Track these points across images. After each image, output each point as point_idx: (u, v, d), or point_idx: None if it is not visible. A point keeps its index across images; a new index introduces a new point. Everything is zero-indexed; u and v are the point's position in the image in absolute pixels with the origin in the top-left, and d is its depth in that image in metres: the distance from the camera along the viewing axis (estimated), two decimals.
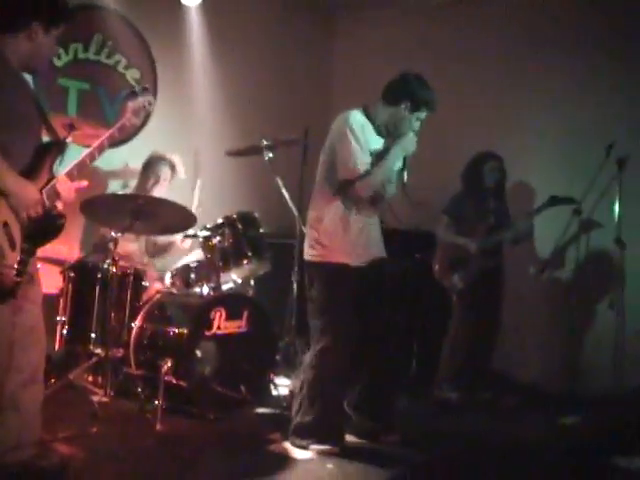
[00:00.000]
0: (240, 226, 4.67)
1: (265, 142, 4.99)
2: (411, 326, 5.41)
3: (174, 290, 4.73)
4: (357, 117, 3.81)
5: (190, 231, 4.68)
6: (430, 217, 5.35)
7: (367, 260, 3.93)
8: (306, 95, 6.46)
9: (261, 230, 4.78)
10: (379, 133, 3.93)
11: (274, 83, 6.21)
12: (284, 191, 5.00)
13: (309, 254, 3.91)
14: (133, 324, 4.46)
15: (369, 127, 3.86)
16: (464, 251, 5.16)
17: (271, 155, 5.02)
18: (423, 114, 3.89)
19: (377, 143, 3.91)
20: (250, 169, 5.52)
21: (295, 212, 5.00)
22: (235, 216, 4.70)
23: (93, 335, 4.37)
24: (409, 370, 5.41)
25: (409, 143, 3.85)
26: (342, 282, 3.83)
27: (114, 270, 4.42)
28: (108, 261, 4.43)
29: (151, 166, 5.04)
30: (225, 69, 5.85)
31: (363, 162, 3.76)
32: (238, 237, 4.65)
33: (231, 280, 4.82)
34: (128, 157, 5.23)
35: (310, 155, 5.03)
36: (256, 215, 4.81)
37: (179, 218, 4.44)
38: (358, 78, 6.40)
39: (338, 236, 3.82)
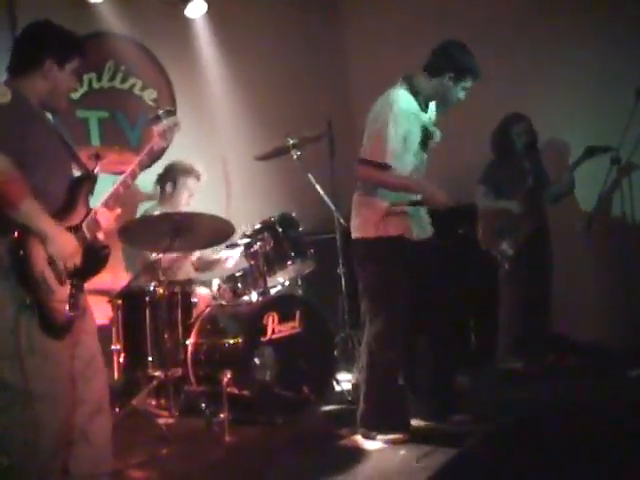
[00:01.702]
0: (279, 228, 4.70)
1: (291, 141, 5.00)
2: (464, 301, 5.32)
3: (223, 302, 4.76)
4: (403, 99, 3.72)
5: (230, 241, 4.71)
6: (466, 192, 5.28)
7: (421, 236, 3.90)
8: (324, 88, 6.46)
9: (300, 229, 4.81)
10: (425, 106, 3.86)
11: (291, 82, 6.23)
12: (317, 186, 5.01)
13: (359, 231, 3.85)
14: (188, 342, 4.49)
15: (414, 104, 3.78)
16: (508, 217, 5.11)
17: (299, 153, 5.03)
18: (468, 83, 3.84)
19: (423, 117, 3.84)
20: (280, 170, 5.55)
21: (331, 205, 5.03)
22: (273, 219, 4.73)
23: (150, 359, 4.41)
24: (469, 345, 5.38)
25: (441, 198, 3.74)
26: (396, 258, 3.77)
27: (161, 291, 4.46)
28: (154, 283, 4.47)
29: (179, 179, 5.03)
30: (240, 75, 5.90)
31: (393, 151, 3.66)
32: (279, 239, 4.68)
33: (278, 283, 4.87)
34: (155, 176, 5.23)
35: (337, 147, 5.11)
36: (293, 215, 4.84)
37: (217, 229, 4.48)
38: (374, 64, 6.37)
39: (386, 209, 3.77)
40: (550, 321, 5.25)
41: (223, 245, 4.83)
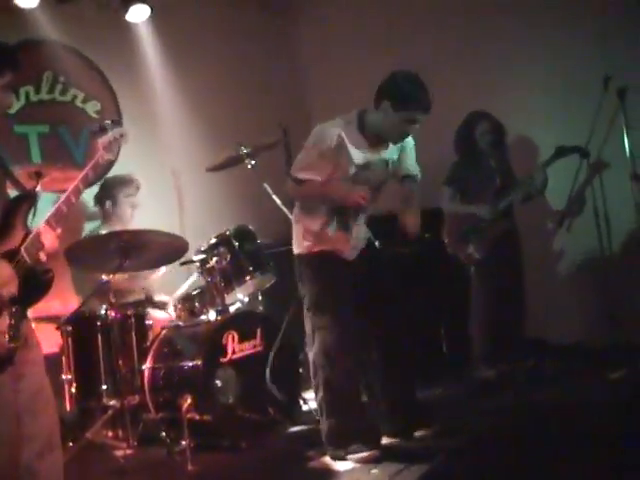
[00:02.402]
0: (235, 242, 4.73)
1: (244, 150, 5.00)
2: (433, 309, 5.42)
3: (180, 323, 4.76)
4: (326, 129, 3.77)
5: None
6: (431, 194, 5.27)
7: (353, 252, 3.99)
8: (279, 93, 6.50)
9: (258, 242, 4.83)
10: (374, 143, 3.85)
11: (243, 88, 6.25)
12: (274, 197, 5.00)
13: (295, 246, 3.98)
14: (144, 367, 4.47)
15: (354, 138, 3.77)
16: (474, 220, 5.15)
17: (253, 162, 5.03)
18: (413, 114, 3.68)
19: (362, 155, 3.84)
20: (235, 181, 5.53)
21: (290, 215, 4.83)
22: (228, 232, 4.75)
23: (104, 387, 4.39)
24: (440, 355, 5.43)
25: (355, 197, 3.73)
26: (331, 273, 3.87)
27: (113, 315, 4.45)
28: (105, 307, 4.46)
29: (118, 194, 5.02)
30: (188, 82, 5.89)
31: (306, 165, 3.78)
32: (236, 254, 4.70)
33: (237, 300, 4.87)
34: None
35: (294, 154, 4.81)
36: (250, 227, 4.87)
37: (170, 246, 4.49)
38: (330, 67, 6.44)
39: (322, 225, 3.89)
40: (525, 325, 5.28)
41: (177, 263, 4.81)
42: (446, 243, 5.31)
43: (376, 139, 3.84)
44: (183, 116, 5.84)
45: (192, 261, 4.72)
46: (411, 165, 4.05)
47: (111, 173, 5.20)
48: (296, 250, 4.00)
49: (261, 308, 4.98)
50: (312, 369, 3.95)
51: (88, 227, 5.30)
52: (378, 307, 4.00)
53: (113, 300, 4.44)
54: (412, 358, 4.09)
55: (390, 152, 3.94)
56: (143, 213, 5.13)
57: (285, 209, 4.98)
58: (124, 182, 5.05)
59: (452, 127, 5.40)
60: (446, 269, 5.43)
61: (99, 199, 5.11)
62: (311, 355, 3.95)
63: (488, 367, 5.08)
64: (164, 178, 5.54)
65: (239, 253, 4.70)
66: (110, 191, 5.05)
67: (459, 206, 5.27)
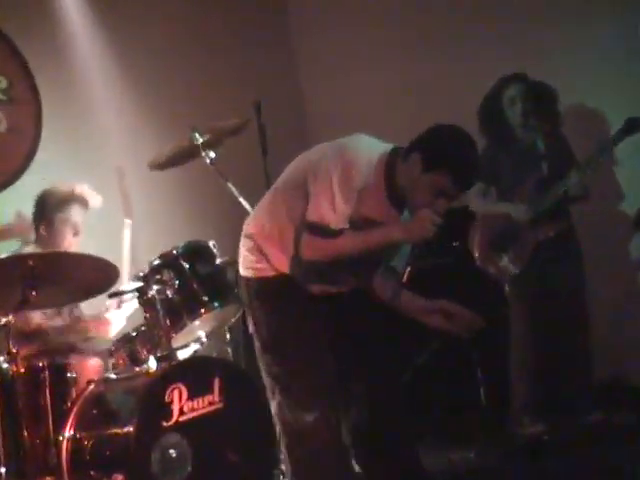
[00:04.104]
0: (185, 263, 4.51)
1: (199, 138, 4.84)
2: (466, 343, 4.96)
3: (112, 374, 4.49)
4: (364, 163, 3.50)
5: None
6: None
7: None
8: (251, 57, 6.33)
9: (218, 262, 4.62)
10: (392, 203, 3.58)
11: (201, 58, 6.14)
12: (242, 200, 4.81)
13: (247, 267, 3.78)
14: (61, 436, 4.18)
15: (376, 186, 3.52)
16: (510, 222, 4.96)
17: (213, 155, 4.88)
18: (446, 183, 3.41)
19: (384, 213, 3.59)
20: (196, 180, 5.42)
21: None
22: (176, 252, 4.52)
23: (3, 470, 4.03)
24: (478, 406, 5.24)
25: (422, 220, 3.41)
26: (304, 300, 3.69)
27: (16, 369, 4.12)
28: (3, 358, 4.14)
29: (55, 213, 4.80)
30: (128, 53, 5.77)
31: (341, 220, 3.47)
32: (185, 279, 4.49)
33: (192, 340, 4.68)
34: (19, 203, 5.06)
35: (270, 138, 4.80)
36: (209, 243, 4.66)
37: (94, 274, 4.23)
38: (326, 24, 6.41)
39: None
40: (590, 363, 5.07)
41: (104, 295, 4.53)
42: (475, 255, 5.14)
43: (395, 199, 3.56)
44: (125, 98, 5.73)
45: (122, 292, 4.46)
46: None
47: (50, 181, 4.97)
48: (244, 271, 3.79)
49: (229, 351, 4.80)
50: (278, 434, 3.79)
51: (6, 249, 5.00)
52: (372, 345, 3.82)
53: (14, 349, 4.10)
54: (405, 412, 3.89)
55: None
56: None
57: None
58: (64, 198, 4.81)
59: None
60: (482, 289, 5.20)
61: (33, 219, 4.90)
62: (274, 414, 3.77)
63: (534, 421, 4.89)
64: (105, 180, 5.26)
65: (190, 278, 4.49)
66: (45, 211, 4.83)
67: (491, 205, 5.11)
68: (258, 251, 3.72)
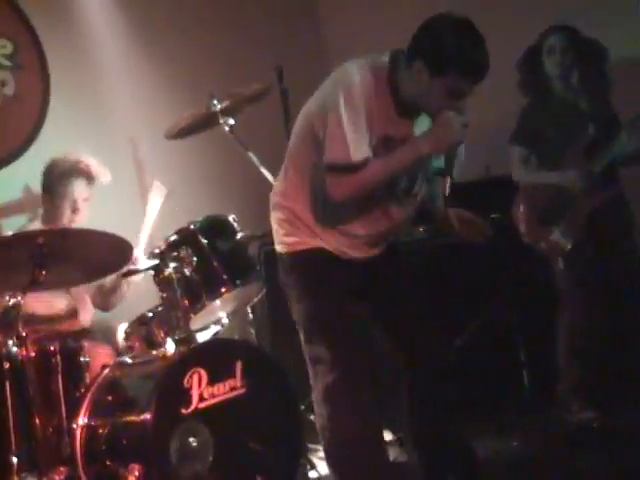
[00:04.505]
0: (203, 239, 4.47)
1: (218, 104, 4.82)
2: (508, 324, 5.23)
3: (128, 358, 4.45)
4: (365, 84, 3.47)
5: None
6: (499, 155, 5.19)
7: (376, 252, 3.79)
8: (273, 19, 6.31)
9: (239, 237, 4.60)
10: (402, 112, 3.56)
11: (217, 19, 6.11)
12: (263, 170, 4.81)
13: (279, 242, 3.79)
14: (75, 424, 4.13)
15: (382, 98, 3.50)
16: (559, 192, 4.85)
17: (232, 122, 4.87)
18: (459, 82, 3.41)
19: (384, 127, 3.56)
20: (213, 149, 5.39)
21: None
22: (194, 226, 4.48)
23: (15, 459, 3.97)
24: (520, 390, 5.19)
25: (446, 123, 3.42)
26: (341, 274, 3.68)
27: (26, 353, 4.05)
28: (13, 342, 4.05)
29: (57, 186, 4.76)
30: (141, 15, 5.72)
31: (363, 148, 3.46)
32: (204, 256, 4.46)
33: (211, 322, 4.66)
34: (27, 176, 5.02)
35: (293, 104, 4.79)
36: (229, 218, 4.63)
37: (107, 251, 4.11)
38: None
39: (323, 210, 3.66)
40: None
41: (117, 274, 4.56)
42: (521, 227, 5.02)
43: (404, 107, 3.53)
44: (139, 64, 5.66)
45: (137, 271, 4.44)
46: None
47: (58, 151, 4.93)
48: (277, 247, 3.81)
49: (252, 332, 4.80)
50: (318, 423, 3.74)
51: (11, 224, 5.06)
52: (416, 326, 3.80)
53: (23, 333, 4.02)
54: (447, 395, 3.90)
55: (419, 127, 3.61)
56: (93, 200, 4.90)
57: None
58: (68, 171, 4.76)
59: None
60: (524, 266, 5.24)
61: (42, 188, 4.88)
62: (314, 395, 3.76)
63: (583, 407, 4.80)
64: (118, 150, 5.31)
65: (209, 255, 4.44)
66: (48, 182, 4.81)
67: (535, 174, 5.00)
68: (287, 222, 3.71)
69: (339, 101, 3.43)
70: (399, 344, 3.80)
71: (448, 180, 3.47)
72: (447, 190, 3.49)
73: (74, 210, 4.77)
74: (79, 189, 4.77)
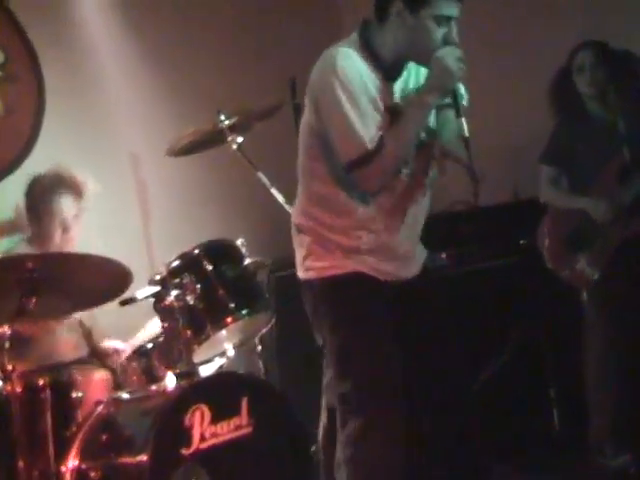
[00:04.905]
0: (209, 265, 4.36)
1: (226, 121, 4.73)
2: (537, 357, 5.14)
3: (124, 393, 4.33)
4: (351, 60, 3.43)
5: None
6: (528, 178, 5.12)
7: (412, 270, 3.70)
8: (287, 29, 6.20)
9: (246, 263, 4.47)
10: (392, 75, 3.54)
11: (227, 27, 6.01)
12: (274, 191, 4.75)
13: (307, 268, 3.66)
14: (64, 467, 4.00)
15: (372, 72, 3.49)
16: (589, 218, 4.70)
17: (240, 140, 4.79)
18: (441, 8, 3.36)
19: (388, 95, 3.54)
20: (217, 169, 5.36)
21: None
22: (198, 251, 4.37)
23: None
24: (550, 430, 5.07)
25: (443, 67, 3.36)
26: (377, 304, 3.56)
27: (12, 388, 3.88)
28: None
29: (42, 204, 4.68)
30: (144, 30, 5.64)
31: (371, 131, 3.39)
32: (209, 283, 4.33)
33: (217, 354, 4.54)
34: (19, 195, 4.86)
35: None
36: (236, 242, 4.53)
37: (104, 278, 4.03)
38: None
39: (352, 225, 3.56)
40: None
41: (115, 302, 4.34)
42: (545, 253, 4.89)
43: (392, 68, 3.51)
44: (141, 77, 5.59)
45: (136, 299, 4.25)
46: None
47: (42, 166, 4.83)
48: (303, 274, 3.67)
49: (261, 366, 4.70)
50: (343, 458, 3.60)
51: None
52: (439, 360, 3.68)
53: (9, 366, 3.88)
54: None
55: (401, 86, 3.59)
56: (89, 220, 4.80)
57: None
58: (56, 185, 4.67)
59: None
60: (555, 294, 5.10)
61: (26, 209, 4.79)
62: (342, 436, 3.61)
63: (617, 450, 4.63)
64: (118, 168, 5.23)
65: (214, 282, 4.33)
66: (33, 198, 4.72)
67: (564, 196, 4.87)
68: (316, 244, 3.61)
69: (337, 92, 3.38)
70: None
71: (463, 121, 3.39)
72: (465, 131, 3.40)
73: (65, 229, 4.66)
74: (67, 205, 4.67)
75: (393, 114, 3.46)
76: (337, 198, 3.53)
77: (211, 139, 4.82)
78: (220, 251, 4.47)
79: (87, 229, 4.72)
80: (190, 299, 4.26)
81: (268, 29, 6.14)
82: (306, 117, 3.66)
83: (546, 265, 4.94)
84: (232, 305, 4.32)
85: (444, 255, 5.04)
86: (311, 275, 3.63)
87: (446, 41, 3.38)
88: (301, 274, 3.68)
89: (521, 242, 5.24)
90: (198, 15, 5.89)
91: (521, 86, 5.40)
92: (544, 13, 5.53)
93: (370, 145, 3.33)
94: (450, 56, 3.35)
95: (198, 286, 4.28)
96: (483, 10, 5.49)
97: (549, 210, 4.93)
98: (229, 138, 4.76)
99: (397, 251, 3.60)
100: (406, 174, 3.55)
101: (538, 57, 5.26)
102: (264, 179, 4.76)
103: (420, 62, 3.49)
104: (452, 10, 3.37)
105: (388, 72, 3.50)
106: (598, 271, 4.74)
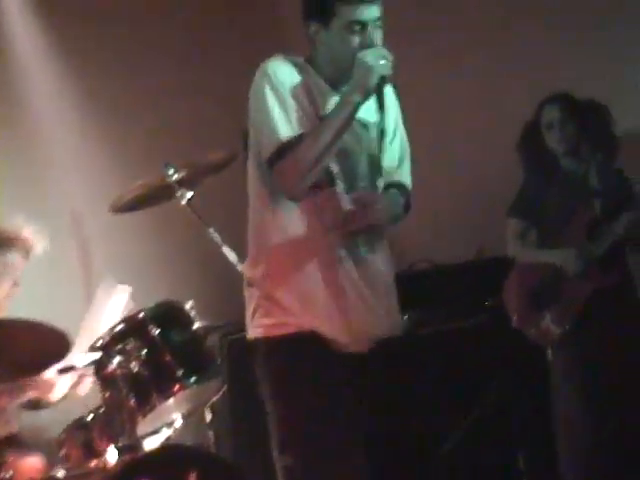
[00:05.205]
0: (155, 329, 4.27)
1: (174, 174, 4.59)
2: (505, 426, 5.03)
3: (60, 471, 4.16)
4: (282, 65, 3.46)
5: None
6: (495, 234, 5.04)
7: (369, 337, 3.45)
8: (238, 78, 5.92)
9: (196, 326, 4.39)
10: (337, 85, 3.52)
11: (176, 76, 5.91)
12: (226, 249, 4.59)
13: (254, 326, 3.50)
14: None
15: (317, 84, 3.49)
16: (556, 273, 4.66)
17: (190, 194, 4.65)
18: (348, 16, 3.33)
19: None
20: (164, 225, 5.33)
21: None
22: (143, 314, 4.30)
23: None
24: None
25: (362, 65, 3.34)
26: (328, 369, 3.38)
27: None
28: None
29: None
30: (87, 80, 5.53)
31: (292, 128, 3.38)
32: (155, 349, 4.25)
33: (162, 426, 4.41)
34: None
35: None
36: (185, 305, 4.45)
37: (38, 345, 3.92)
38: None
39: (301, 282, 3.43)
40: None
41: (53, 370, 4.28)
42: (511, 313, 4.81)
43: (336, 79, 3.49)
44: (83, 125, 5.51)
45: (73, 367, 4.16)
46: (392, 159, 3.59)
47: None
48: (251, 333, 3.51)
49: (212, 437, 4.55)
50: None
51: None
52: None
53: None
54: None
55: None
56: (26, 282, 4.66)
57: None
58: (2, 243, 4.59)
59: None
60: (523, 356, 5.04)
61: None
62: None
63: None
64: (58, 226, 5.03)
65: (161, 347, 4.25)
66: None
67: (532, 250, 4.83)
68: (264, 298, 3.44)
69: (263, 92, 3.37)
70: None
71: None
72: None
73: (15, 283, 4.56)
74: (18, 261, 4.58)
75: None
76: (287, 247, 3.44)
77: (159, 194, 4.67)
78: (167, 314, 4.38)
79: (24, 292, 4.58)
80: (134, 366, 4.16)
81: (218, 80, 6.09)
82: (250, 151, 3.57)
83: (512, 325, 4.82)
84: (180, 372, 4.20)
85: (405, 317, 4.95)
86: (256, 333, 3.48)
87: (363, 45, 3.34)
88: (249, 334, 3.53)
89: (486, 302, 5.12)
90: (143, 62, 5.80)
91: (486, 139, 5.38)
92: (512, 63, 5.55)
93: (286, 139, 3.31)
94: (371, 54, 3.33)
95: (143, 352, 4.19)
96: (451, 62, 5.56)
97: (515, 266, 4.87)
98: (178, 193, 4.63)
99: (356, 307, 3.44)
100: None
101: (503, 109, 5.25)
102: (215, 236, 4.62)
103: (338, 75, 3.45)
104: (365, 14, 3.34)
105: (333, 83, 3.47)
106: (563, 328, 4.66)
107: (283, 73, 3.42)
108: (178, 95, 5.90)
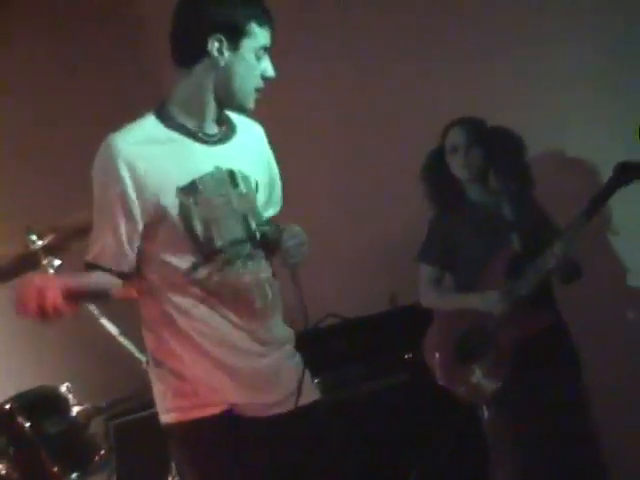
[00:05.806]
0: (25, 422, 4.10)
1: (38, 240, 4.37)
2: None
3: None
4: (106, 152, 3.23)
5: None
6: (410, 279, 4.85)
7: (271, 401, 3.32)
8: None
9: (75, 411, 4.23)
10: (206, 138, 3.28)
11: (36, 132, 5.73)
12: (105, 321, 4.33)
13: (167, 410, 3.34)
14: None
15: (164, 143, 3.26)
16: (480, 320, 4.42)
17: (58, 262, 4.42)
18: (259, 39, 3.19)
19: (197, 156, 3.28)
20: None
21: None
22: (10, 405, 4.08)
23: None
24: None
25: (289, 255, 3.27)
26: (233, 453, 3.24)
27: None
28: None
29: None
30: None
31: (95, 248, 3.27)
32: (26, 444, 4.08)
33: None
34: None
35: None
36: (60, 388, 4.25)
37: None
38: None
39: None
40: None
41: None
42: (434, 369, 4.59)
43: (200, 127, 3.30)
44: None
45: None
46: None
47: None
48: (164, 417, 3.35)
49: None
50: None
51: None
52: None
53: None
54: None
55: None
56: None
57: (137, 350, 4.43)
58: None
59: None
60: (452, 415, 4.87)
61: None
62: None
63: None
64: None
65: (33, 442, 4.08)
66: None
67: (448, 297, 4.64)
68: (160, 379, 3.32)
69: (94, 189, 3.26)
70: None
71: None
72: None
73: None
74: None
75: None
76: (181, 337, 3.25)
77: (23, 264, 4.32)
78: (39, 402, 4.19)
79: None
80: (1, 468, 3.98)
81: (89, 137, 5.87)
82: None
83: (437, 382, 4.59)
84: (57, 469, 4.00)
85: (316, 380, 4.70)
86: (169, 419, 3.29)
87: (265, 74, 3.22)
88: (162, 418, 3.33)
89: (406, 356, 4.98)
90: (9, 124, 5.56)
91: (390, 178, 5.20)
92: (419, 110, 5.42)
93: (87, 258, 3.25)
94: (292, 240, 3.22)
95: (11, 450, 4.00)
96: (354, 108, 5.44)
97: (434, 317, 4.63)
98: (44, 261, 4.31)
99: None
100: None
101: (410, 142, 5.05)
102: (90, 307, 4.25)
103: (230, 106, 3.28)
104: (268, 38, 3.24)
105: (197, 136, 3.24)
106: (496, 383, 4.42)
107: (98, 170, 3.22)
108: (39, 152, 5.69)
